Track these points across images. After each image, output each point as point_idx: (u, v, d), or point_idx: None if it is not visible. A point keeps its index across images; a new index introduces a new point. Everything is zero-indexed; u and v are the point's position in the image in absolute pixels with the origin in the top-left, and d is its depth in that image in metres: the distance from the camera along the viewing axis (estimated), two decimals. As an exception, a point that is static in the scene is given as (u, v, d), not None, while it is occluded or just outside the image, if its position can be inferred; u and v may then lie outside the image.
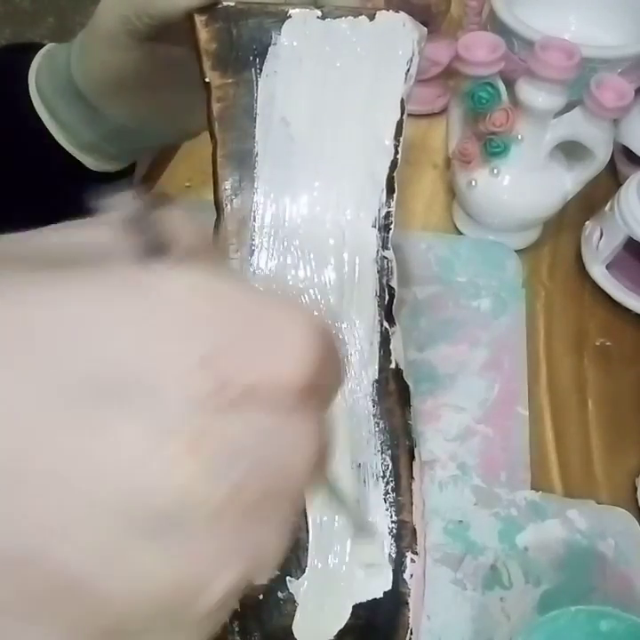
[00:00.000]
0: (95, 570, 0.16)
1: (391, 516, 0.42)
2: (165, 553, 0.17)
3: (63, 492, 0.16)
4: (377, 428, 0.43)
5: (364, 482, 0.42)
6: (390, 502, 0.42)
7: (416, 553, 0.42)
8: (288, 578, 0.40)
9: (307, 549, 0.40)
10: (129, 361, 0.17)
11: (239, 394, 0.17)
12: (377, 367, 0.43)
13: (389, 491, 0.42)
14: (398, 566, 0.41)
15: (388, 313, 0.43)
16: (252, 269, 0.41)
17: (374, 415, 0.43)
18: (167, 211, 0.21)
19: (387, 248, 0.43)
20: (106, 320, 0.17)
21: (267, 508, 0.18)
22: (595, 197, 0.68)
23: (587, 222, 0.68)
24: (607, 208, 0.64)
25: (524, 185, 0.63)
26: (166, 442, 0.16)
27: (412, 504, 0.42)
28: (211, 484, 0.17)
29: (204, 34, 0.38)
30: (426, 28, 0.40)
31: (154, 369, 0.17)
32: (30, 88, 0.46)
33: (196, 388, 0.17)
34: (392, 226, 0.43)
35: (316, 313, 0.19)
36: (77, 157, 0.48)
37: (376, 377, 0.43)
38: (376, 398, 0.43)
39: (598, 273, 0.65)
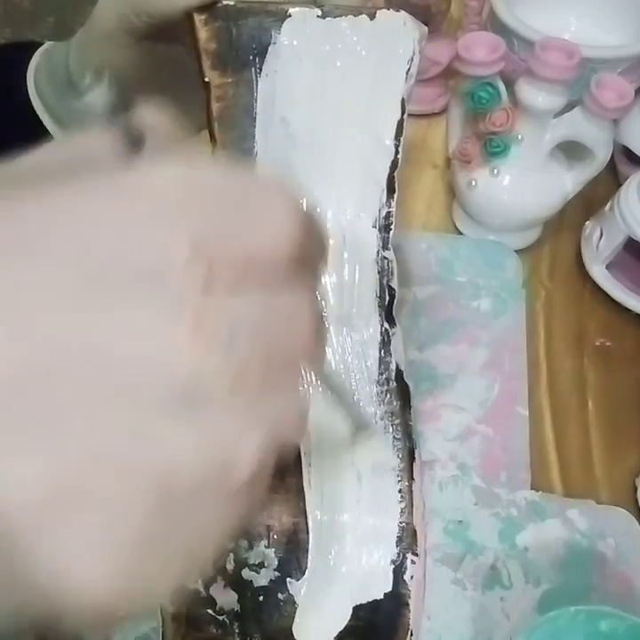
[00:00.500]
0: (127, 449, 0.17)
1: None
2: (189, 427, 0.18)
3: (87, 377, 0.17)
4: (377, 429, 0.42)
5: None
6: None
7: (416, 554, 0.42)
8: (288, 579, 0.40)
9: (307, 551, 0.40)
10: (126, 255, 0.18)
11: (231, 271, 0.18)
12: (377, 368, 0.43)
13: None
14: (398, 568, 0.41)
15: (388, 313, 0.43)
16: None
17: (374, 416, 0.42)
18: (140, 106, 0.22)
19: (387, 248, 0.43)
20: (99, 218, 0.18)
21: (277, 375, 0.19)
22: (595, 197, 0.68)
23: (587, 222, 0.68)
24: (607, 208, 0.64)
25: (524, 185, 0.63)
26: (172, 325, 0.17)
27: (412, 505, 0.42)
28: (219, 358, 0.18)
29: (203, 33, 0.38)
30: (426, 28, 0.40)
31: (150, 259, 0.18)
32: (29, 87, 0.46)
33: (191, 272, 0.18)
34: (392, 226, 0.43)
35: (295, 195, 0.20)
36: None
37: (376, 378, 0.43)
38: (376, 399, 0.43)
39: (598, 273, 0.65)
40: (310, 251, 0.20)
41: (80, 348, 0.17)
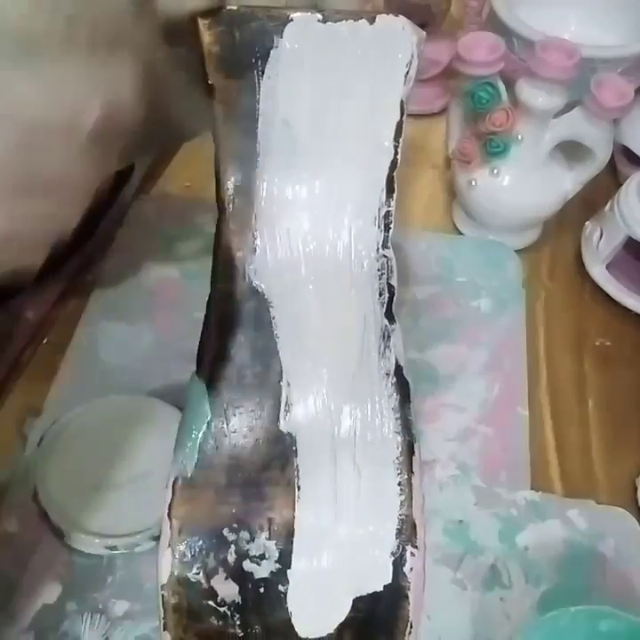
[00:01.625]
0: None
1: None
2: (34, 78, 0.21)
3: None
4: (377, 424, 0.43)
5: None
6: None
7: (416, 546, 0.42)
8: (289, 571, 0.40)
9: (308, 543, 0.40)
10: None
11: None
12: (377, 363, 0.43)
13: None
14: (398, 560, 0.41)
15: (387, 311, 0.43)
16: (253, 269, 0.42)
17: (375, 411, 0.43)
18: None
19: (387, 247, 0.43)
20: None
21: (104, 45, 0.24)
22: (595, 197, 0.68)
23: (587, 222, 0.68)
24: (607, 208, 0.64)
25: (524, 185, 0.64)
26: None
27: (411, 498, 0.42)
28: (46, 16, 0.21)
29: (207, 36, 0.39)
30: (424, 32, 0.40)
31: None
32: None
33: None
34: (392, 225, 0.43)
35: None
36: None
37: (376, 373, 0.43)
38: (376, 394, 0.43)
39: (598, 273, 0.65)
40: None
41: None
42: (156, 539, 0.42)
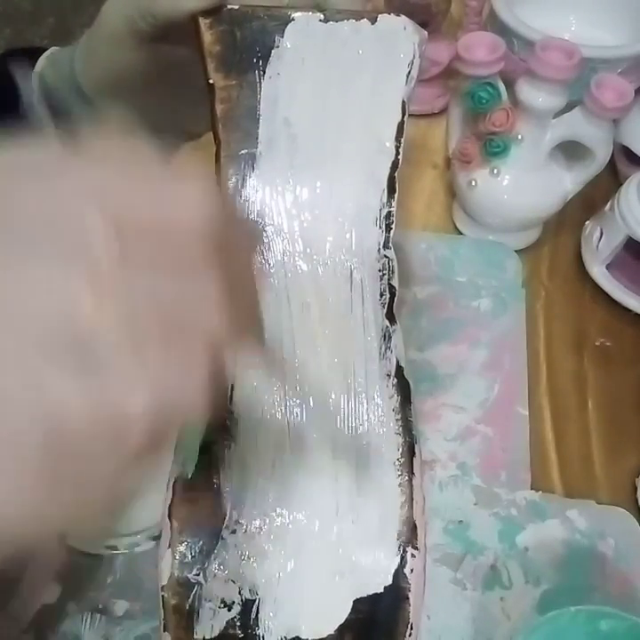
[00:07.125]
0: (18, 395, 0.18)
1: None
2: (80, 383, 0.19)
3: None
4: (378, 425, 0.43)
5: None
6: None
7: (416, 548, 0.42)
8: (289, 572, 0.40)
9: (309, 543, 0.41)
10: (45, 223, 0.19)
11: (143, 242, 0.20)
12: (378, 364, 0.43)
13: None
14: (399, 561, 0.41)
15: (388, 311, 0.43)
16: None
17: (375, 412, 0.43)
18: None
19: (388, 247, 0.43)
20: (24, 194, 0.20)
21: (173, 349, 0.20)
22: (595, 197, 0.68)
23: (587, 222, 0.68)
24: (607, 208, 0.64)
25: (524, 185, 0.64)
26: (77, 284, 0.19)
27: (412, 500, 0.42)
28: (115, 320, 0.19)
29: (208, 36, 0.39)
30: (426, 32, 0.40)
31: (67, 227, 0.19)
32: (34, 92, 0.46)
33: (102, 238, 0.19)
34: (393, 225, 0.43)
35: (212, 186, 0.22)
36: None
37: (377, 374, 0.43)
38: (376, 395, 0.43)
39: (598, 273, 0.65)
40: (232, 238, 0.21)
41: None
42: (156, 539, 0.42)
